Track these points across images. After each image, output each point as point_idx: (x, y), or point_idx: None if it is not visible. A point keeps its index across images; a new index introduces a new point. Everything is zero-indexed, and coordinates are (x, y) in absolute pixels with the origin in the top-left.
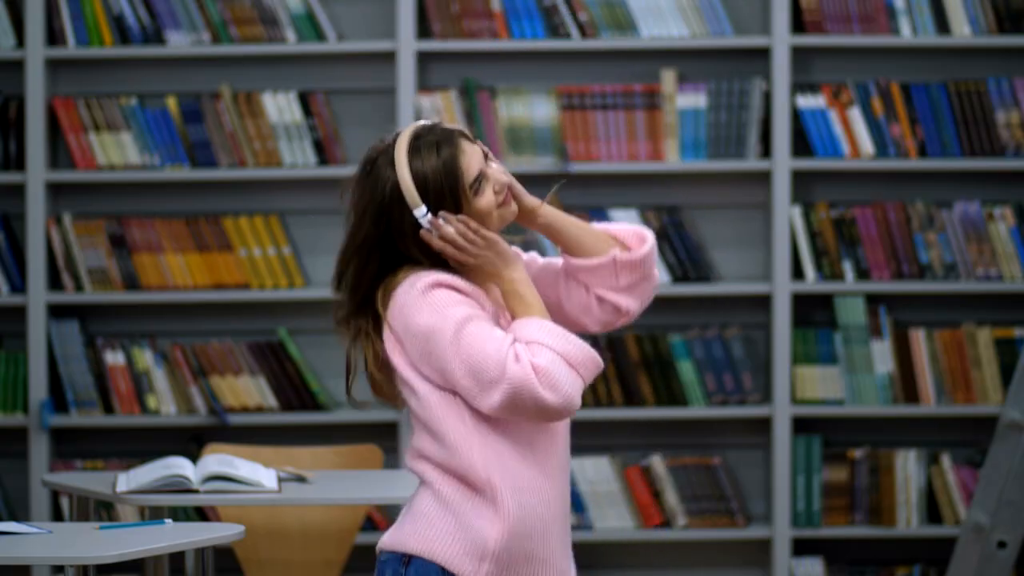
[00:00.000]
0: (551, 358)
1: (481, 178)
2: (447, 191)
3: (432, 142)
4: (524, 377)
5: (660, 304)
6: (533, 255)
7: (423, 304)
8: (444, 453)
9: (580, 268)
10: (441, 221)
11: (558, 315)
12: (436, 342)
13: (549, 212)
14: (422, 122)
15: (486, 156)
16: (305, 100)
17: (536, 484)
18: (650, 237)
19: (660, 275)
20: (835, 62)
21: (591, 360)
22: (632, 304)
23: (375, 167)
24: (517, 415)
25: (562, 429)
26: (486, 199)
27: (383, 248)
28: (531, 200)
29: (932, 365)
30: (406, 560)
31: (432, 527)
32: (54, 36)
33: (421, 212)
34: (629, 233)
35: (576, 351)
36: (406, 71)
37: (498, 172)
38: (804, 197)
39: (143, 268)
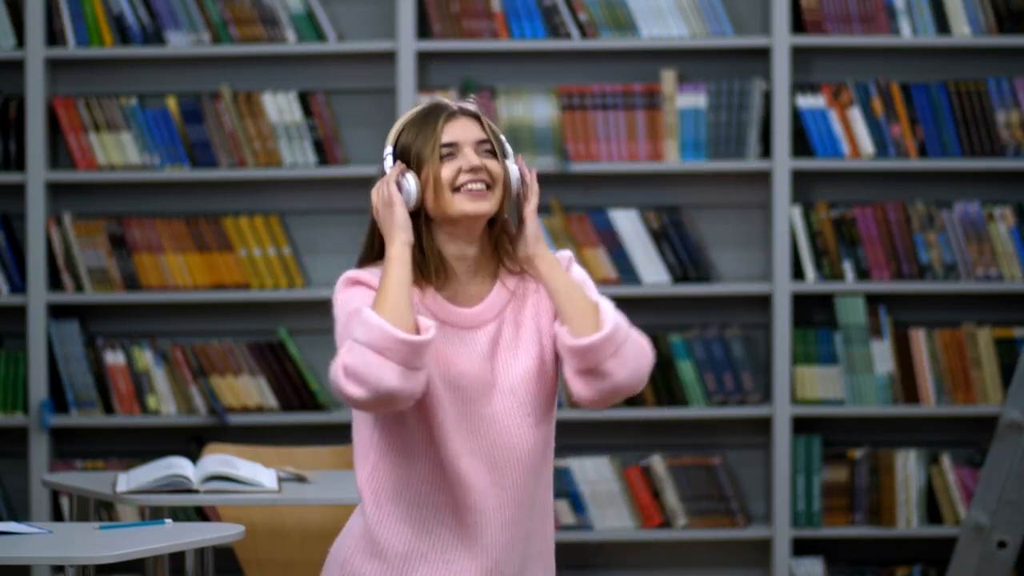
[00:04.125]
0: (359, 352)
1: (455, 148)
2: (414, 145)
3: (429, 107)
4: (334, 379)
5: (660, 304)
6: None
7: (336, 300)
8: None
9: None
10: (387, 164)
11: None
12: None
13: (544, 268)
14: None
15: (492, 146)
16: (305, 100)
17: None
18: (608, 327)
19: (660, 275)
20: (835, 62)
21: (392, 341)
22: (582, 392)
23: None
24: (355, 408)
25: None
26: (445, 169)
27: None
28: (531, 247)
29: (932, 365)
30: None
31: None
32: (54, 36)
33: (387, 151)
34: (604, 314)
35: (379, 337)
36: (406, 71)
37: (473, 157)
38: (804, 197)
39: (143, 268)
